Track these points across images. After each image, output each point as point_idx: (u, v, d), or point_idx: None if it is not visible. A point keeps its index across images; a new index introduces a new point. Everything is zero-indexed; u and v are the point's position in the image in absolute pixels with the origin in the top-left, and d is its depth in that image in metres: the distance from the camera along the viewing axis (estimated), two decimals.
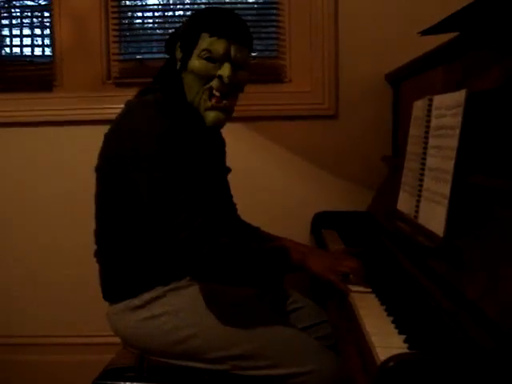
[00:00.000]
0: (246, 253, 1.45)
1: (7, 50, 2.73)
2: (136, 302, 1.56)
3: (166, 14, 2.70)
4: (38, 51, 2.72)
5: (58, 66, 2.59)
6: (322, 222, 2.35)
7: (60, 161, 2.58)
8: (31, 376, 2.62)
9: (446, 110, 1.42)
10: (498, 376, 0.89)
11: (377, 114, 2.50)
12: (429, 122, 1.56)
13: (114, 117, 1.59)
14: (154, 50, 2.68)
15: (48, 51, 2.68)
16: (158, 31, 2.71)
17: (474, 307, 1.09)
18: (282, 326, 1.60)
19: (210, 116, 1.58)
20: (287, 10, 2.52)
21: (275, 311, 1.71)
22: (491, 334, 1.00)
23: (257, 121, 2.51)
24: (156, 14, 2.69)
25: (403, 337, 1.11)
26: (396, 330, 1.15)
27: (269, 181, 2.56)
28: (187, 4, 2.67)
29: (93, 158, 1.61)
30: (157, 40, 2.67)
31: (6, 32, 2.71)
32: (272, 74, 2.53)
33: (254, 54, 2.23)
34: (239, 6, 2.66)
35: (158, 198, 1.42)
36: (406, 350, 1.04)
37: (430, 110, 1.56)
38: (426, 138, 1.55)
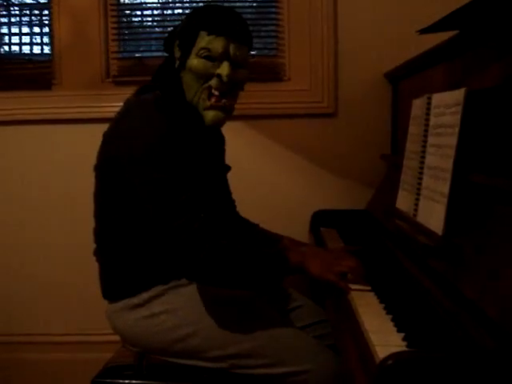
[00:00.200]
0: (244, 256, 1.44)
1: (6, 48, 2.72)
2: (135, 300, 1.56)
3: (164, 12, 2.69)
4: (36, 49, 2.71)
5: (57, 64, 2.58)
6: (320, 220, 2.36)
7: (59, 159, 2.58)
8: (31, 374, 2.62)
9: (445, 108, 1.42)
10: (498, 375, 0.89)
11: (376, 113, 2.50)
12: (428, 120, 1.56)
13: (113, 115, 1.59)
14: (153, 48, 2.68)
15: (47, 49, 2.68)
16: (157, 29, 2.71)
17: (474, 306, 1.09)
18: (280, 324, 1.60)
19: (209, 115, 1.57)
20: (286, 8, 2.52)
21: (274, 310, 1.71)
22: (490, 333, 1.00)
23: (256, 119, 2.51)
24: (155, 12, 2.68)
25: (402, 335, 1.11)
26: (395, 328, 1.16)
27: (268, 179, 2.56)
28: (186, 2, 2.66)
29: (92, 156, 1.61)
30: (156, 38, 2.67)
31: (4, 30, 2.70)
32: (271, 73, 2.53)
33: (253, 53, 2.22)
34: (238, 4, 2.66)
35: (156, 201, 1.41)
36: (405, 349, 1.04)
37: (429, 109, 1.56)
38: (425, 136, 1.55)
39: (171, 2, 2.70)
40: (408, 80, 2.18)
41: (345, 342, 1.22)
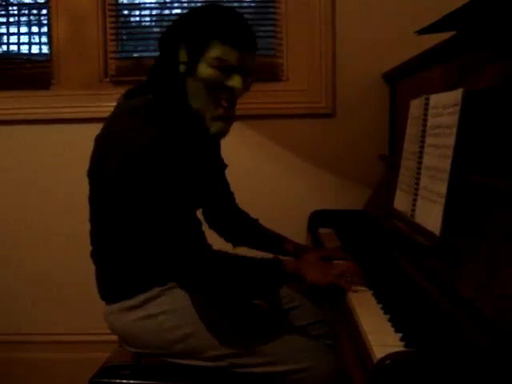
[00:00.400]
0: (240, 266, 1.43)
1: (4, 47, 2.72)
2: (132, 302, 1.55)
3: (163, 12, 2.69)
4: (35, 49, 2.71)
5: (56, 63, 2.58)
6: (318, 220, 2.36)
7: (58, 158, 2.58)
8: (29, 373, 2.62)
9: (443, 108, 1.43)
10: (495, 374, 0.90)
11: (374, 113, 2.50)
12: (426, 120, 1.56)
13: None
14: (151, 48, 2.67)
15: (45, 49, 2.68)
16: (155, 29, 2.71)
17: (471, 306, 1.09)
18: (279, 323, 1.61)
19: (216, 126, 1.54)
20: (284, 8, 2.53)
21: (272, 309, 1.71)
22: (488, 333, 1.00)
23: (254, 119, 2.51)
24: (153, 12, 2.69)
25: (400, 335, 1.11)
26: (392, 329, 1.16)
27: (266, 179, 2.56)
28: (184, 2, 2.66)
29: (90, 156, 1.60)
30: (154, 38, 2.66)
31: (3, 30, 2.70)
32: (269, 73, 2.53)
33: None
34: (236, 4, 2.66)
35: (146, 212, 1.39)
36: (403, 349, 1.05)
37: (426, 109, 1.56)
38: (423, 136, 1.56)
39: (169, 2, 2.70)
40: (406, 80, 2.19)
41: (342, 342, 1.23)
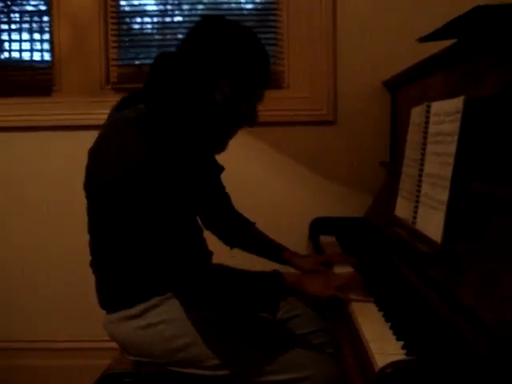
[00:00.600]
0: (240, 281, 1.44)
1: (6, 54, 2.73)
2: (132, 311, 1.54)
3: (164, 19, 2.70)
4: (37, 56, 2.72)
5: (57, 70, 2.59)
6: (319, 227, 2.35)
7: (58, 165, 2.59)
8: (30, 380, 2.62)
9: (445, 116, 1.43)
10: (496, 382, 0.89)
11: (375, 120, 2.51)
12: (427, 128, 1.56)
13: None
14: (153, 55, 2.67)
15: (47, 56, 2.68)
16: (156, 37, 2.71)
17: (472, 314, 1.09)
18: (281, 332, 1.60)
19: (225, 145, 1.64)
20: (286, 16, 2.53)
21: (274, 318, 1.71)
22: (489, 341, 1.00)
23: (255, 126, 2.50)
24: (155, 19, 2.69)
25: (401, 343, 1.11)
26: (394, 337, 1.16)
27: (267, 186, 2.56)
28: (186, 10, 2.67)
29: None
30: (155, 46, 2.68)
31: (5, 37, 2.71)
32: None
33: None
34: (237, 12, 2.67)
35: (141, 228, 1.39)
36: (404, 357, 1.04)
37: (428, 117, 1.56)
38: (424, 144, 1.56)
39: (171, 10, 2.71)
40: (407, 88, 2.19)
41: (344, 350, 1.22)
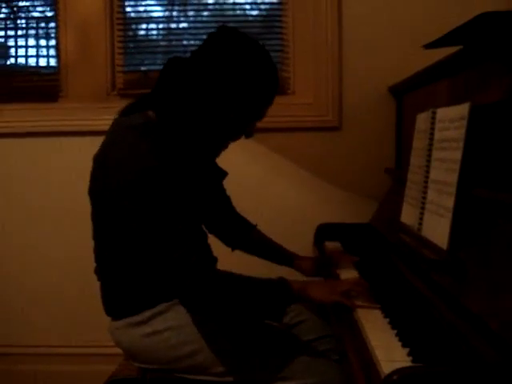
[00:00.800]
0: (245, 288, 1.43)
1: (12, 60, 2.75)
2: (138, 318, 1.54)
3: (170, 25, 2.71)
4: (43, 62, 2.73)
5: (63, 76, 2.60)
6: (324, 233, 2.35)
7: (64, 171, 2.59)
8: None
9: (450, 122, 1.43)
10: None
11: (380, 126, 2.51)
12: (432, 134, 1.56)
13: None
14: (159, 61, 2.69)
15: (53, 62, 2.70)
16: (162, 43, 2.72)
17: (478, 320, 1.08)
18: (286, 338, 1.60)
19: (219, 154, 1.65)
20: (291, 22, 2.54)
21: (279, 324, 1.71)
22: (495, 348, 1.00)
23: (260, 132, 2.46)
24: (160, 25, 2.70)
25: (407, 350, 1.11)
26: (400, 343, 1.16)
27: (272, 192, 2.56)
28: (191, 16, 2.68)
29: None
30: (161, 52, 2.69)
31: (11, 42, 2.72)
32: None
33: None
34: (243, 18, 2.68)
35: (148, 234, 1.39)
36: (410, 364, 1.04)
37: (433, 123, 1.56)
38: (430, 150, 1.56)
39: (176, 16, 2.72)
40: (412, 94, 2.19)
41: (350, 357, 1.22)
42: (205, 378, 1.53)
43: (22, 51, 2.72)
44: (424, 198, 1.54)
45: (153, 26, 2.71)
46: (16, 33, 2.73)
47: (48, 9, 2.69)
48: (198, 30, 2.68)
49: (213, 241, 1.73)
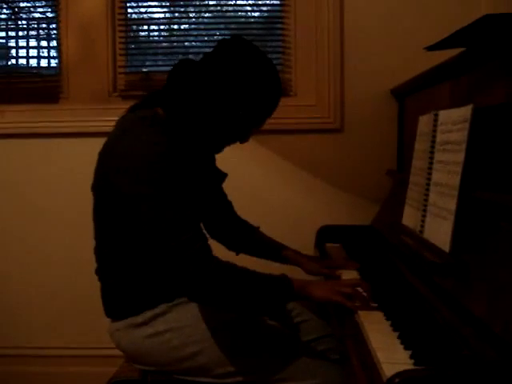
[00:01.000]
0: (248, 279, 1.43)
1: (14, 61, 2.75)
2: (139, 319, 1.54)
3: (171, 27, 2.71)
4: (44, 63, 2.73)
5: (65, 77, 2.60)
6: (326, 235, 2.35)
7: (65, 172, 2.59)
8: None
9: (452, 125, 1.42)
10: None
11: (382, 128, 2.50)
12: (434, 136, 1.56)
13: None
14: (160, 62, 2.70)
15: (54, 63, 2.70)
16: (163, 44, 2.73)
17: (481, 323, 1.08)
18: (286, 339, 1.60)
19: (224, 148, 1.67)
20: (293, 24, 2.54)
21: (280, 325, 1.71)
22: (497, 350, 0.99)
23: (262, 134, 2.48)
24: (162, 27, 2.71)
25: (409, 352, 1.10)
26: (402, 346, 1.15)
27: (273, 194, 2.56)
28: (192, 18, 2.69)
29: None
30: (162, 53, 2.69)
31: (12, 43, 2.72)
32: None
33: None
34: (244, 20, 2.67)
35: (156, 218, 1.39)
36: (412, 366, 1.04)
37: (435, 125, 1.56)
38: (432, 152, 1.55)
39: (177, 18, 2.72)
40: (414, 96, 2.19)
41: (351, 359, 1.22)
42: (206, 380, 1.53)
43: (23, 52, 2.72)
44: (426, 200, 1.54)
45: (154, 27, 2.71)
46: (17, 34, 2.73)
47: (49, 10, 2.69)
48: (200, 31, 2.69)
49: (212, 241, 1.73)
